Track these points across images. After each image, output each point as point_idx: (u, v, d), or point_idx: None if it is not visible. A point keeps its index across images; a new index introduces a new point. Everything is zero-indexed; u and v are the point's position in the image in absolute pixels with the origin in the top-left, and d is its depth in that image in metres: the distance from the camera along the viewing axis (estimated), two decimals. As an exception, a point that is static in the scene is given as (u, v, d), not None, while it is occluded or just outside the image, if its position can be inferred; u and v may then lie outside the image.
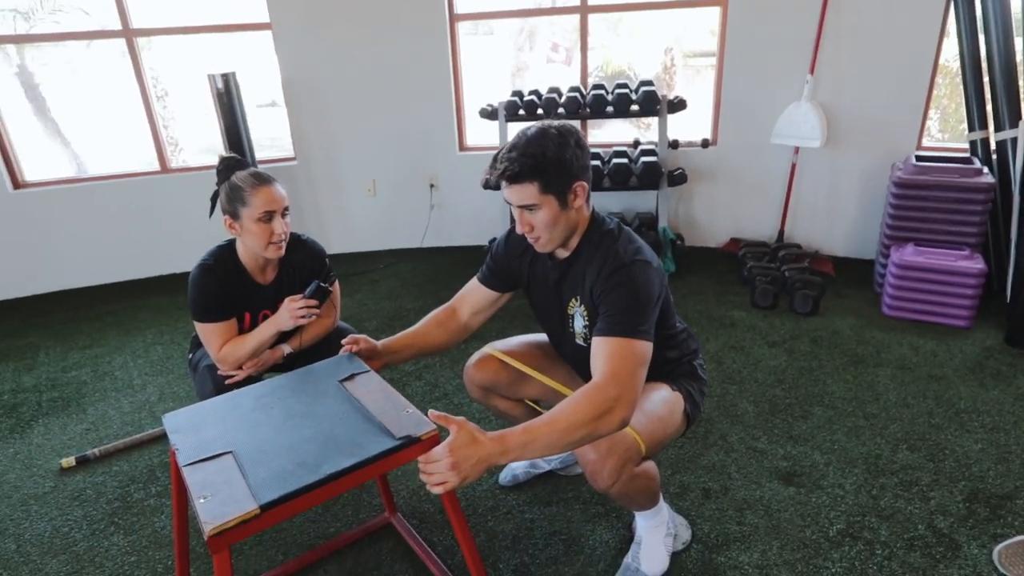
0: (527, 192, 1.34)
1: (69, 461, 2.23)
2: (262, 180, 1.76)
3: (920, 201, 3.01)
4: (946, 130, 4.20)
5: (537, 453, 1.20)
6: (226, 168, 1.80)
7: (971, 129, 3.17)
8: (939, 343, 2.72)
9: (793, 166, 3.61)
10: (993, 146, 3.12)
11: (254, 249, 1.79)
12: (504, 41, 5.54)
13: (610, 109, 3.54)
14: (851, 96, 3.45)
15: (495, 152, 1.39)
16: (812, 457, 2.06)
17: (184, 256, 4.05)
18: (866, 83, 3.40)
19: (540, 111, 3.59)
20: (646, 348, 1.30)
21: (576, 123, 4.06)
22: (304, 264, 1.90)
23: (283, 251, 1.82)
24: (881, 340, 2.78)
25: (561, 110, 3.57)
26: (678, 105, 3.54)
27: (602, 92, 3.54)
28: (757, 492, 1.91)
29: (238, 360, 1.82)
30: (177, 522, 1.46)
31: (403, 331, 1.64)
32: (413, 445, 1.16)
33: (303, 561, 1.73)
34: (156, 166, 3.97)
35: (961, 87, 3.17)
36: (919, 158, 3.15)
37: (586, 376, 1.54)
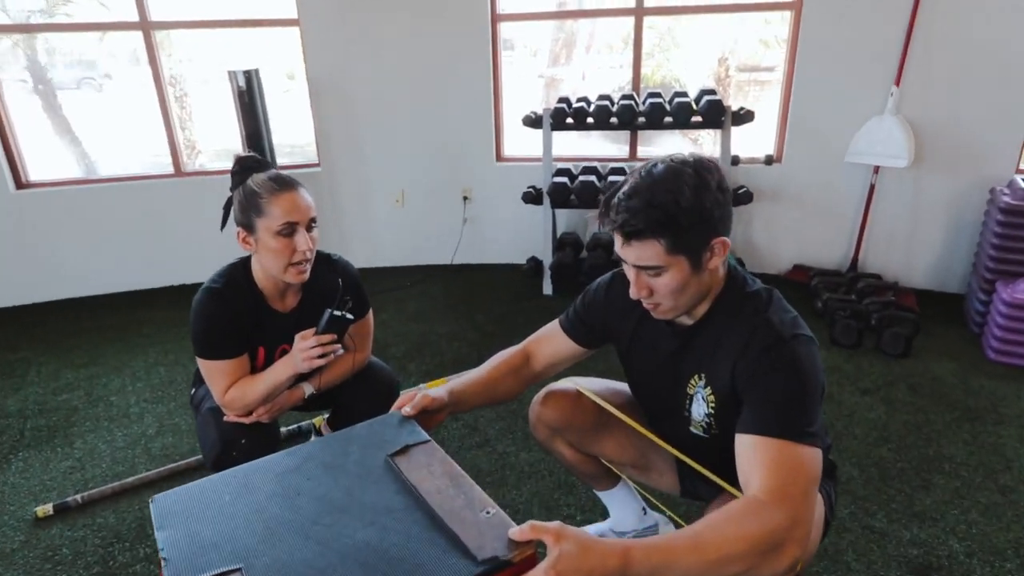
0: (650, 252, 1.01)
1: (46, 510, 1.88)
2: (283, 185, 1.43)
3: (1032, 231, 2.63)
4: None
5: None
6: (242, 170, 1.47)
7: (1086, 151, 2.80)
8: (1065, 398, 2.33)
9: (872, 187, 3.24)
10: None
11: (271, 270, 1.46)
12: (527, 57, 5.33)
13: (668, 119, 3.19)
14: (942, 111, 3.08)
15: (607, 193, 1.05)
16: (948, 544, 1.67)
17: (196, 267, 3.71)
18: (960, 97, 3.03)
19: (590, 120, 3.25)
20: (816, 458, 0.95)
21: (627, 134, 3.73)
22: (333, 290, 1.55)
23: (307, 275, 1.48)
24: (994, 390, 2.39)
25: (614, 119, 3.23)
26: (744, 117, 3.19)
27: (660, 100, 3.20)
28: (888, 590, 1.53)
29: (247, 406, 1.50)
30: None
31: (470, 373, 1.30)
32: (502, 571, 0.80)
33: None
34: (170, 169, 3.67)
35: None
36: (1027, 182, 2.77)
37: (695, 475, 1.21)
